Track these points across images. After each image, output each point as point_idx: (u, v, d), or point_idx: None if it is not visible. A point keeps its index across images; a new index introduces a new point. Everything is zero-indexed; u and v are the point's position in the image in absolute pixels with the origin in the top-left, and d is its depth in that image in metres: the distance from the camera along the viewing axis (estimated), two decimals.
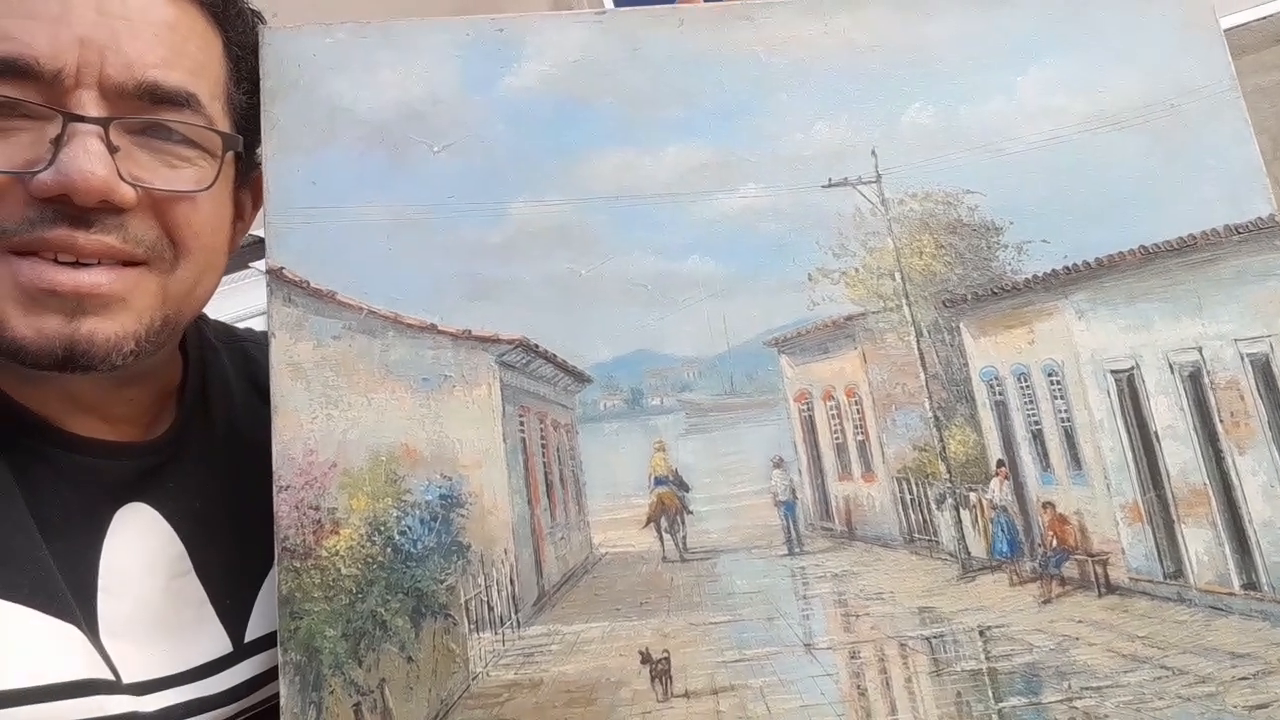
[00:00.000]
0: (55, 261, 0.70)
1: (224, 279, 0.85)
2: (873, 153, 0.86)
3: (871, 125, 0.87)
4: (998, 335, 0.85)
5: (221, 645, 0.80)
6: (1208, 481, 0.81)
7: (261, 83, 0.84)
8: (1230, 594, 0.79)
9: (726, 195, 0.85)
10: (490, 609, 0.77)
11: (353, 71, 0.85)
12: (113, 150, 0.70)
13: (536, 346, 0.81)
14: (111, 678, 0.71)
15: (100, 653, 0.72)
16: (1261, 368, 0.83)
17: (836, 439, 0.85)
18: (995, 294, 0.85)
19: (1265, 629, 0.78)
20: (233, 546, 0.82)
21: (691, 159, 0.85)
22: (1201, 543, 0.80)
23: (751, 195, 0.85)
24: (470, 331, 0.81)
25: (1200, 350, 0.83)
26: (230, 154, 0.80)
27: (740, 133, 0.86)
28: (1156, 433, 0.82)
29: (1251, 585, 0.79)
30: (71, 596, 0.72)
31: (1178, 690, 0.75)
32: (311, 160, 0.83)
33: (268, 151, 0.83)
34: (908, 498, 0.82)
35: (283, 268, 0.80)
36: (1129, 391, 0.83)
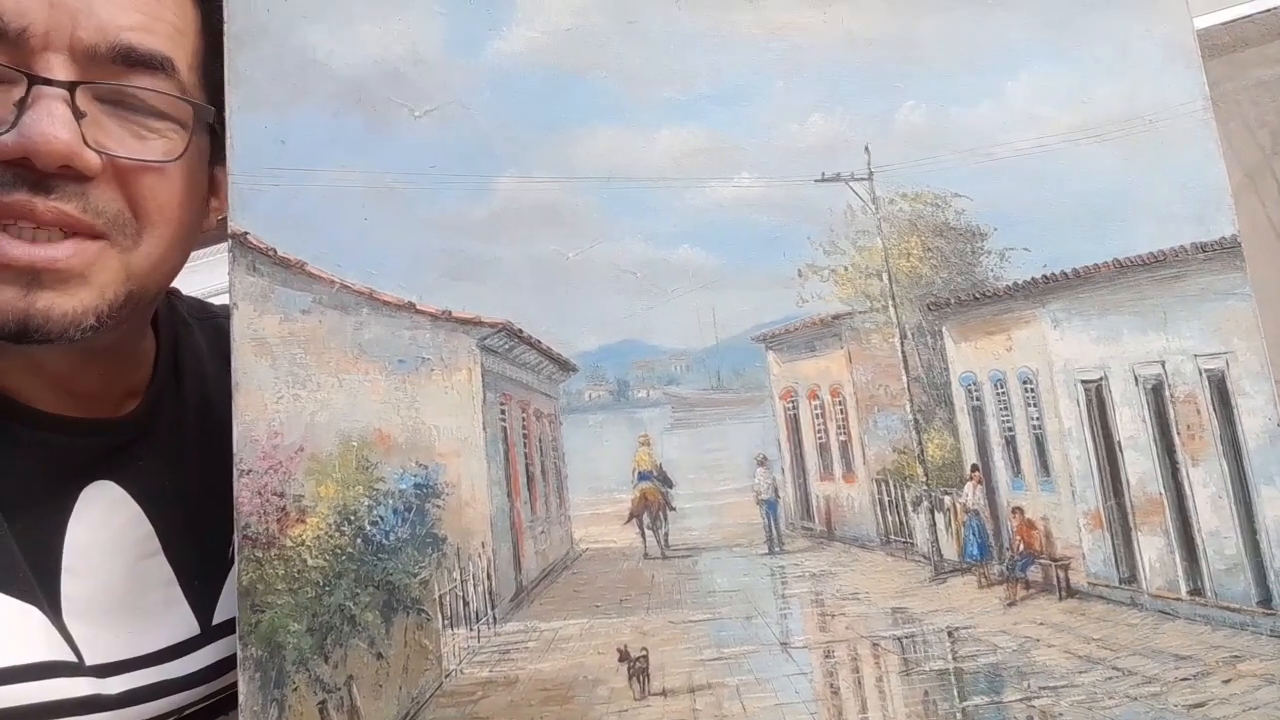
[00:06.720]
0: (11, 230, 0.66)
1: (199, 252, 0.80)
2: (866, 149, 0.85)
3: (865, 121, 0.85)
4: (978, 341, 0.86)
5: (189, 627, 0.78)
6: (1163, 491, 0.85)
7: (225, 27, 0.76)
8: (1178, 599, 0.83)
9: (720, 183, 0.82)
10: (466, 604, 0.74)
11: (328, 21, 0.79)
12: (79, 115, 0.67)
13: (520, 331, 0.77)
14: (74, 659, 0.69)
15: (63, 634, 0.70)
16: (1217, 383, 0.86)
17: (820, 439, 0.85)
18: (978, 299, 0.85)
19: (1206, 633, 0.82)
20: (203, 526, 0.79)
21: (686, 143, 0.82)
22: (1154, 550, 0.84)
23: (745, 185, 0.83)
24: (451, 312, 0.77)
25: (1163, 364, 0.86)
26: (203, 127, 0.76)
27: (736, 119, 0.83)
28: (1120, 443, 0.85)
29: (1197, 591, 0.83)
30: (33, 577, 0.69)
31: (1126, 690, 0.79)
32: (281, 117, 0.76)
33: (232, 105, 0.76)
34: (886, 499, 0.83)
35: (247, 233, 0.74)
36: (1097, 402, 0.86)
